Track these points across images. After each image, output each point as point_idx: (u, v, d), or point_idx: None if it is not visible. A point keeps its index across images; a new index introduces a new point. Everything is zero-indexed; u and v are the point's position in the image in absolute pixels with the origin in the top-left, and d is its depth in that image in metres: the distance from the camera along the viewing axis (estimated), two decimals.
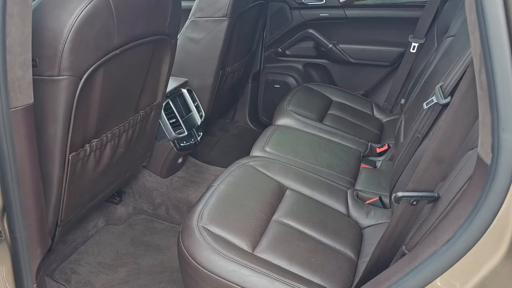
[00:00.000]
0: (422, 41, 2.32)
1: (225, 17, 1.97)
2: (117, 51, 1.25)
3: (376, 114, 2.40)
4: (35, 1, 1.10)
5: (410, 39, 2.37)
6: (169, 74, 1.69)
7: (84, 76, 1.16)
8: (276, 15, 2.67)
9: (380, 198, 1.61)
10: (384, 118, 2.38)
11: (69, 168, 1.30)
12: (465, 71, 1.26)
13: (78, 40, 1.09)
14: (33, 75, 0.98)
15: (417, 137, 1.43)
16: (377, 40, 2.56)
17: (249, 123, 2.91)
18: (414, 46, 2.34)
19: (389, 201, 1.56)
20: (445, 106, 1.32)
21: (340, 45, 2.62)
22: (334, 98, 2.41)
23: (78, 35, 1.08)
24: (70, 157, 1.28)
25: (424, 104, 1.39)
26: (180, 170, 2.18)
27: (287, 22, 2.67)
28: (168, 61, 1.62)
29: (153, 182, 2.05)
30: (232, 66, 2.28)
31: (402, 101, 2.27)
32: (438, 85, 1.36)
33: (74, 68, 1.12)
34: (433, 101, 1.35)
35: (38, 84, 1.10)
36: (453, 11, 2.02)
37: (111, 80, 1.32)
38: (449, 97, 1.31)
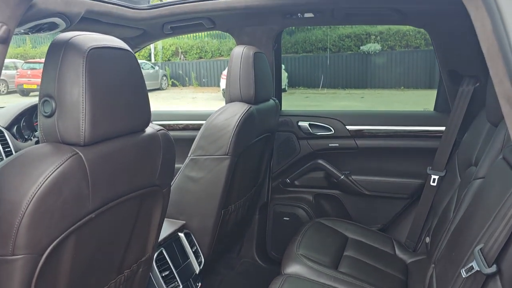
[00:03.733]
0: (442, 174, 2.14)
1: (227, 155, 1.83)
2: (92, 215, 1.06)
3: (398, 253, 2.14)
4: None
5: (429, 171, 2.19)
6: (161, 225, 1.49)
7: (47, 252, 0.96)
8: (283, 145, 2.56)
9: None
10: (408, 259, 2.10)
11: None
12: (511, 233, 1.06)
13: (39, 212, 0.91)
14: None
15: None
16: (392, 171, 2.39)
17: (257, 258, 2.64)
18: (434, 179, 2.16)
19: None
20: (490, 276, 1.08)
21: (353, 176, 2.45)
22: (350, 235, 2.17)
23: (40, 206, 0.91)
24: None
25: (463, 271, 1.14)
26: None
27: (295, 152, 2.54)
28: (160, 211, 1.43)
29: None
30: (236, 203, 2.09)
31: (428, 239, 2.02)
32: (478, 247, 1.13)
33: (32, 245, 0.92)
34: (473, 269, 1.11)
35: None
36: (474, 142, 1.87)
37: (86, 247, 1.11)
38: (494, 265, 1.07)
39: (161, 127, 1.32)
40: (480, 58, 2.12)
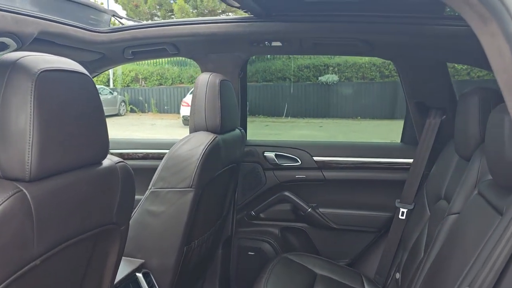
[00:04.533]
0: (411, 207, 2.11)
1: (191, 188, 1.71)
2: (37, 262, 0.92)
3: None
4: None
5: (397, 204, 2.16)
6: (117, 266, 1.34)
7: None
8: (249, 176, 2.46)
9: None
10: None
11: None
12: (500, 275, 1.00)
13: None
14: None
15: None
16: (360, 204, 2.34)
17: None
18: (403, 212, 2.12)
19: None
20: None
21: (320, 209, 2.38)
22: (318, 271, 2.08)
23: None
24: None
25: None
26: None
27: (261, 183, 2.45)
28: (117, 252, 1.29)
29: None
30: (199, 239, 1.96)
31: (398, 275, 1.97)
32: None
33: None
34: None
35: None
36: (442, 175, 1.85)
37: None
38: None
39: (120, 159, 1.20)
40: (446, 91, 2.15)
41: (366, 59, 12.96)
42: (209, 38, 2.12)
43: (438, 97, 2.13)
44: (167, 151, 1.83)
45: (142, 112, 15.40)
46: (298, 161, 2.39)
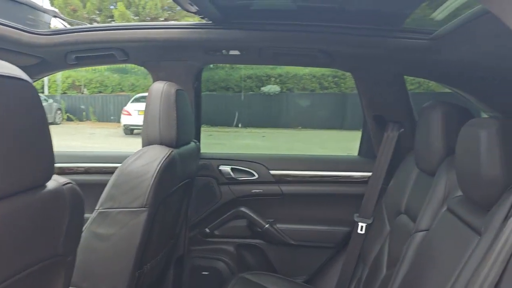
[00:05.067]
0: (370, 221, 2.09)
1: (144, 207, 1.56)
2: None
3: None
4: None
5: (356, 218, 2.13)
6: None
7: None
8: (203, 191, 2.33)
9: None
10: None
11: None
12: None
13: None
14: None
15: None
16: (318, 219, 2.29)
17: None
18: (362, 227, 2.09)
19: None
20: None
21: (278, 225, 2.29)
22: None
23: None
24: None
25: None
26: None
27: (216, 198, 2.33)
28: (61, 286, 1.12)
29: None
30: (152, 262, 1.80)
31: None
32: None
33: None
34: None
35: None
36: (401, 189, 1.84)
37: None
38: None
39: (67, 180, 1.04)
40: (404, 104, 2.15)
41: (307, 70, 13.22)
42: (161, 44, 1.99)
43: (396, 110, 2.13)
44: (113, 164, 1.67)
45: (80, 121, 14.70)
46: (254, 175, 2.30)
